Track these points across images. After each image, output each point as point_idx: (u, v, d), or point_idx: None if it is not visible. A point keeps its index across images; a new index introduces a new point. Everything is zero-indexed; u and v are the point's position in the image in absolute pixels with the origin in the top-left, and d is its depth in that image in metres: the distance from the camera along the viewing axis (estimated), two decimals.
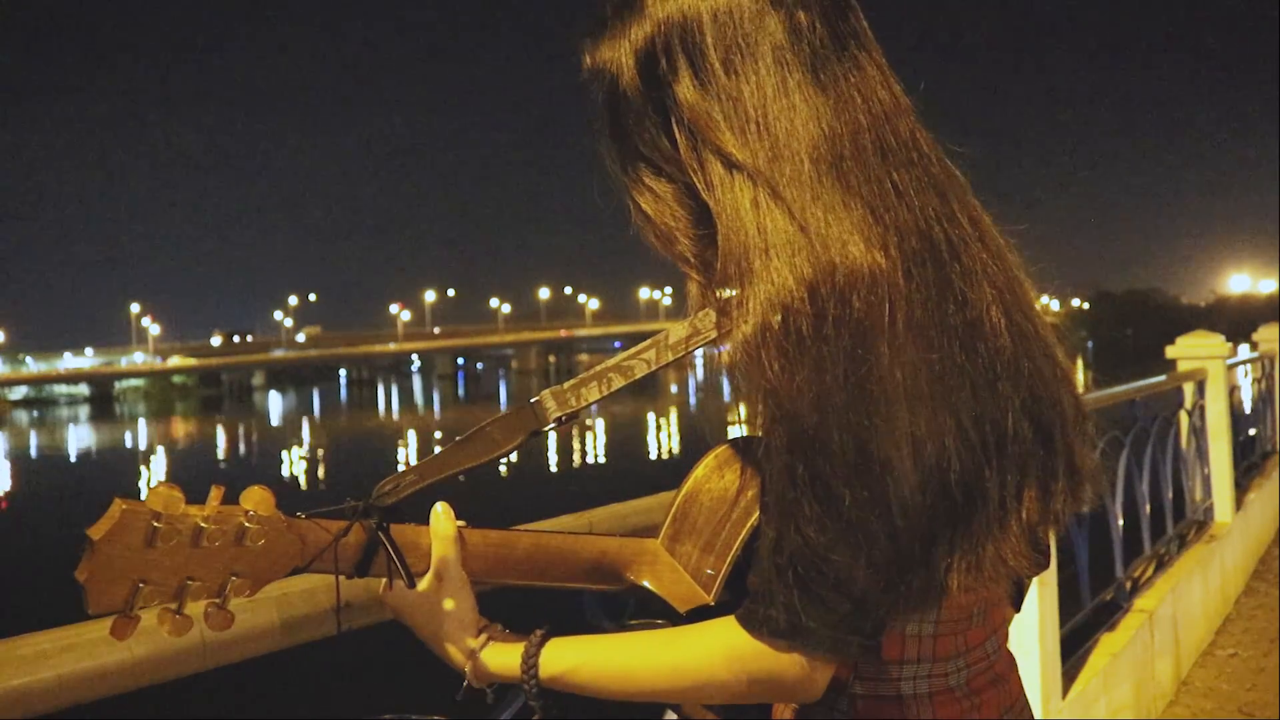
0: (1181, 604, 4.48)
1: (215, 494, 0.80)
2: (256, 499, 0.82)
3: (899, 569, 0.80)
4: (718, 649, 0.84)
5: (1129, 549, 4.36)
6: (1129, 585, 4.30)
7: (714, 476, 0.98)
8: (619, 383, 0.92)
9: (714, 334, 0.88)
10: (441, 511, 0.94)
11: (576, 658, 0.89)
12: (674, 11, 0.88)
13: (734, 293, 0.83)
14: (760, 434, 0.81)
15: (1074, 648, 3.55)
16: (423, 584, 0.92)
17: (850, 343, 0.77)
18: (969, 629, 0.92)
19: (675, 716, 0.99)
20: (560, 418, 0.92)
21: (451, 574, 0.92)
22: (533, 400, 0.93)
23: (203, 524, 0.78)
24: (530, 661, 0.89)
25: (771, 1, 0.87)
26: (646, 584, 0.96)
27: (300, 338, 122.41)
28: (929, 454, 0.80)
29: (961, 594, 0.85)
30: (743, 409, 0.84)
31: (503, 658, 0.91)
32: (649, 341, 0.92)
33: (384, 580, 0.94)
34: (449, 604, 0.91)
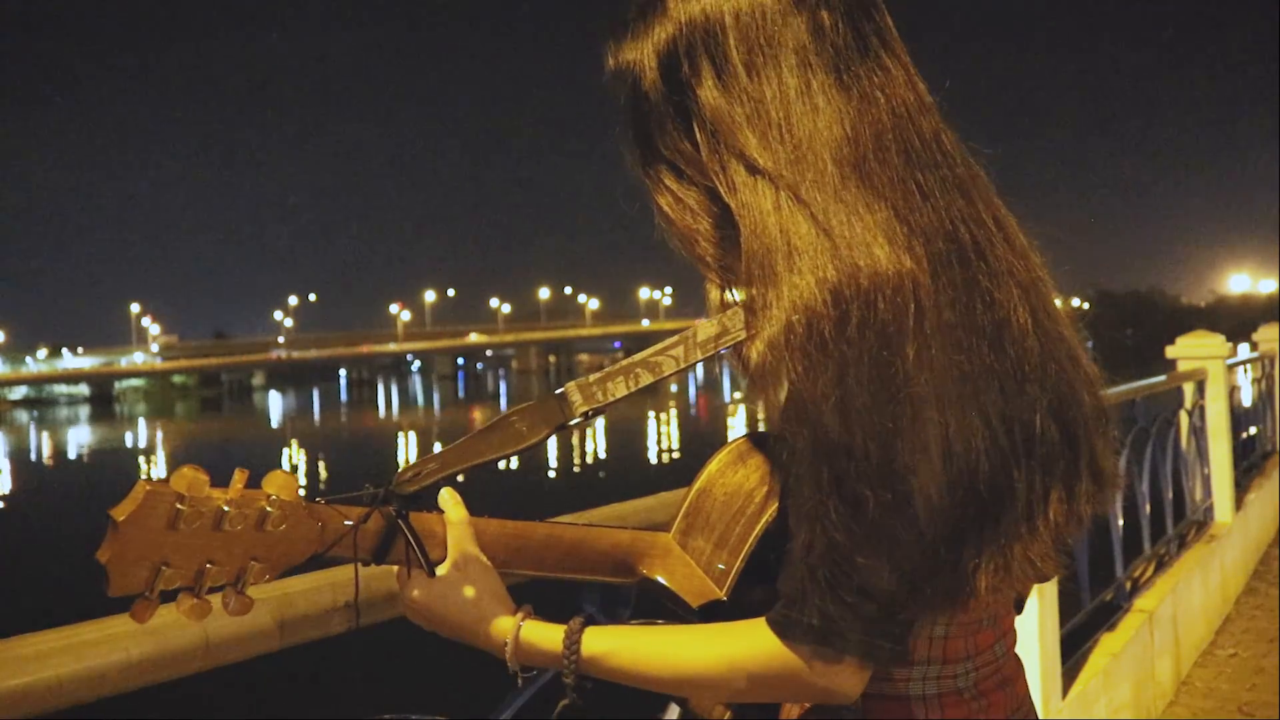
0: (1181, 604, 4.48)
1: (239, 477, 0.79)
2: (279, 483, 0.81)
3: (926, 571, 0.80)
4: (755, 648, 0.84)
5: (1129, 549, 4.36)
6: (1129, 585, 4.29)
7: (728, 472, 0.97)
8: (647, 379, 0.91)
9: (743, 334, 0.87)
10: (450, 497, 0.94)
11: (616, 642, 0.89)
12: (697, 13, 0.88)
13: (757, 294, 0.83)
14: (782, 435, 0.81)
15: (1074, 648, 3.54)
16: (444, 569, 0.92)
17: (875, 345, 0.77)
18: (979, 632, 0.92)
19: (679, 710, 0.99)
20: (587, 412, 0.92)
21: (473, 557, 0.92)
22: (558, 392, 0.92)
23: (225, 507, 0.78)
24: (573, 639, 0.89)
25: (795, 1, 0.86)
26: (659, 578, 0.96)
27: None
28: (957, 455, 0.80)
29: (990, 596, 0.85)
30: (767, 410, 0.84)
31: (544, 635, 0.90)
32: (677, 338, 0.91)
33: (403, 575, 0.93)
34: (481, 585, 0.91)
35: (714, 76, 0.87)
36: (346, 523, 0.85)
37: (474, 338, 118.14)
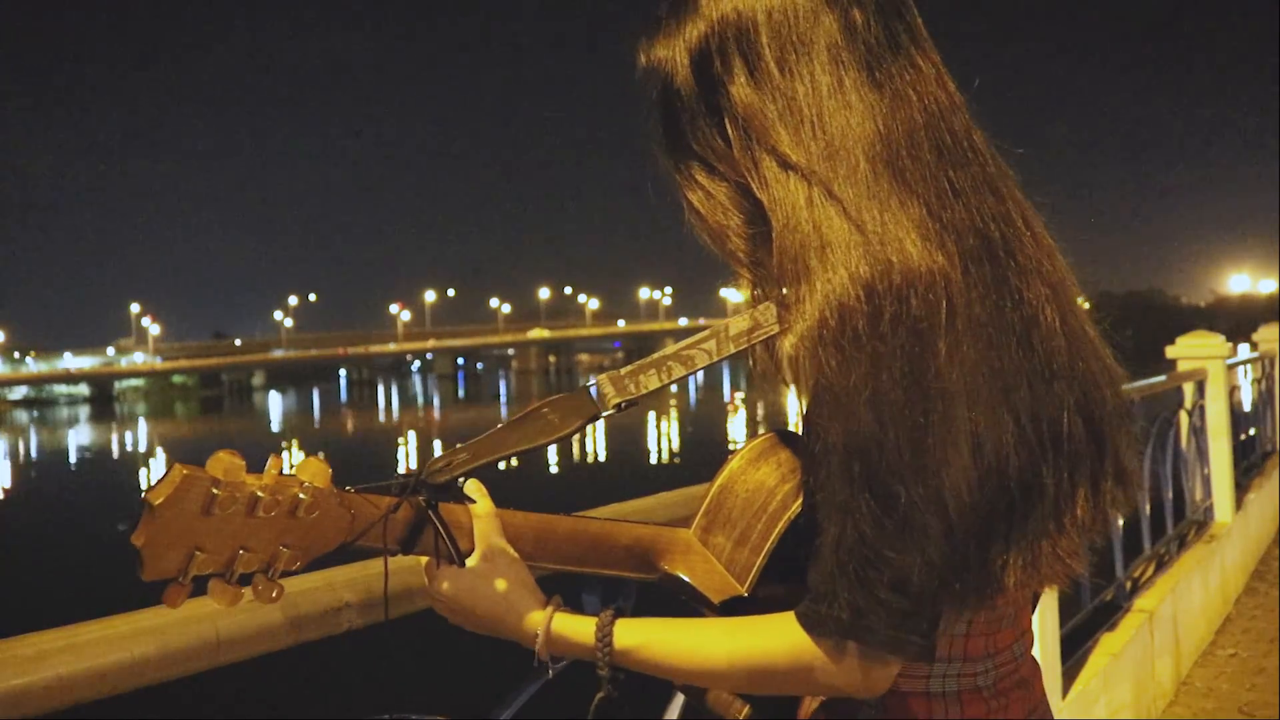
0: (1181, 604, 4.47)
1: (274, 463, 0.79)
2: (313, 470, 0.81)
3: (955, 567, 0.80)
4: (785, 642, 0.84)
5: (1129, 549, 4.36)
6: (1129, 585, 4.30)
7: (750, 469, 0.98)
8: (679, 371, 0.91)
9: (775, 328, 0.88)
10: (476, 488, 0.93)
11: (648, 634, 0.89)
12: (729, 11, 0.89)
13: (789, 289, 0.83)
14: (815, 430, 0.81)
15: (1074, 648, 3.55)
16: (473, 561, 0.91)
17: (907, 341, 0.78)
18: (999, 631, 0.93)
19: (683, 704, 0.99)
20: (620, 404, 0.92)
21: (501, 549, 0.92)
22: (589, 384, 0.92)
23: (260, 493, 0.77)
24: (605, 631, 0.89)
25: (827, 0, 0.87)
26: (681, 575, 0.95)
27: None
28: (987, 451, 0.80)
29: (1016, 593, 0.86)
30: (800, 404, 0.85)
31: (575, 627, 0.90)
32: (708, 331, 0.92)
33: (431, 568, 0.93)
34: (510, 577, 0.91)
35: (746, 73, 0.88)
36: (376, 511, 0.85)
37: (535, 333, 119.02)
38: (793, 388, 0.88)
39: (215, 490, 0.75)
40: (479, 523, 0.92)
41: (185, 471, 0.74)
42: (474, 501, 0.93)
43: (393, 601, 1.11)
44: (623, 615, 0.91)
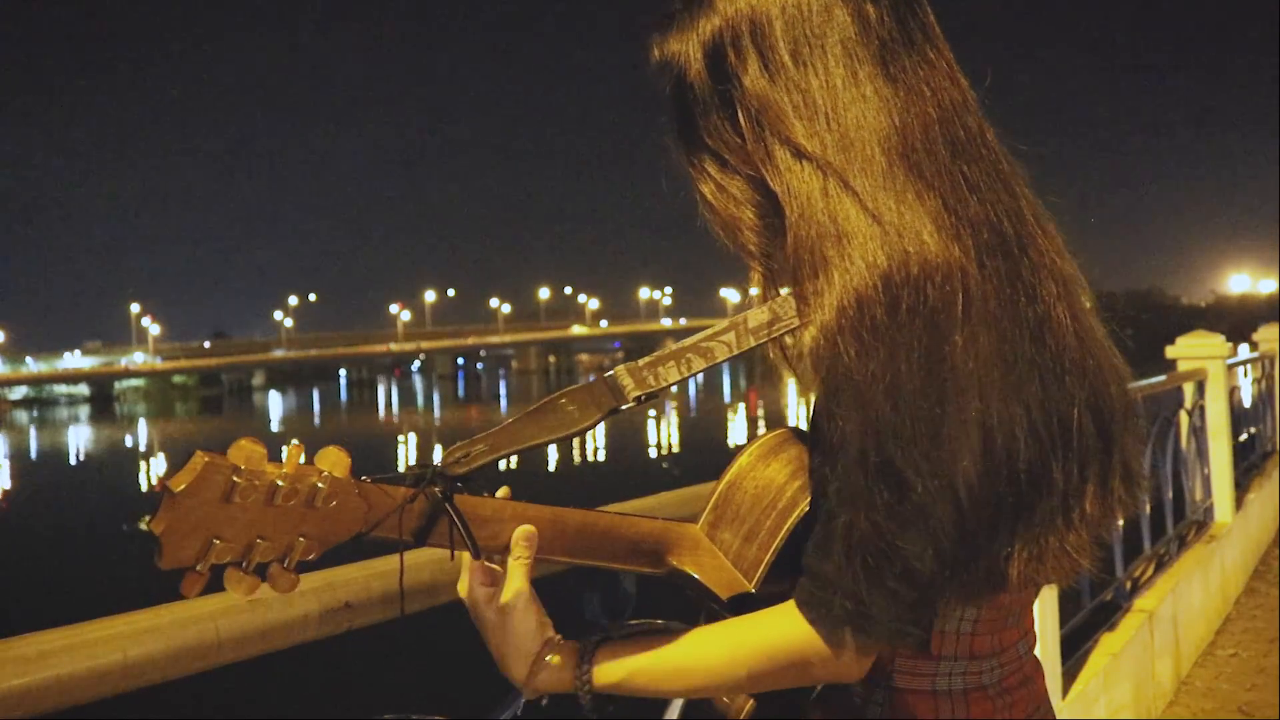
0: (1181, 604, 4.48)
1: (294, 452, 0.78)
2: (332, 460, 0.80)
3: (964, 558, 0.81)
4: (774, 639, 0.84)
5: (1129, 549, 4.36)
6: (1129, 585, 4.30)
7: (758, 466, 0.98)
8: (699, 364, 0.90)
9: (795, 321, 0.87)
10: (523, 538, 0.90)
11: (630, 666, 0.89)
12: (743, 5, 0.90)
13: (807, 280, 0.83)
14: (832, 420, 0.81)
15: (1074, 648, 3.55)
16: (499, 608, 0.91)
17: (924, 331, 0.78)
18: (1004, 629, 0.93)
19: (683, 705, 0.99)
20: (640, 397, 0.90)
21: (521, 603, 0.90)
22: (607, 375, 0.91)
23: (279, 482, 0.77)
24: (584, 679, 0.89)
25: None
26: (689, 570, 0.95)
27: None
28: (998, 443, 0.81)
29: (1021, 586, 0.87)
30: (814, 398, 0.84)
31: (557, 677, 0.90)
32: (727, 324, 0.91)
33: (464, 581, 0.93)
34: (514, 631, 0.90)
35: (760, 65, 0.88)
36: (392, 501, 0.85)
37: (576, 329, 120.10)
38: (806, 381, 0.87)
39: (236, 478, 0.75)
40: (517, 570, 0.90)
41: (207, 459, 0.74)
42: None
43: (372, 607, 1.11)
44: (604, 643, 0.91)
